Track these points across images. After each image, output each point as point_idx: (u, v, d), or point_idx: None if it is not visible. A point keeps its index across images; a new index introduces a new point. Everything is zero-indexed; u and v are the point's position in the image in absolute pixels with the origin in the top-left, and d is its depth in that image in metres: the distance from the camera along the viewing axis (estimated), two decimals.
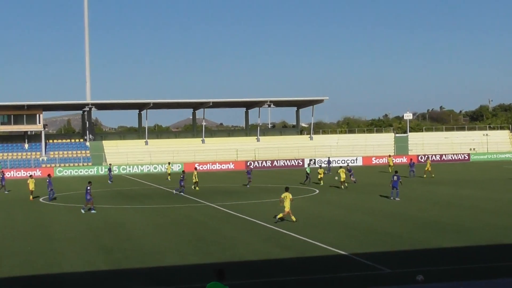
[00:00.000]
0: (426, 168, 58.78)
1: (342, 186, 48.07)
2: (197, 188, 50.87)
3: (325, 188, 48.86)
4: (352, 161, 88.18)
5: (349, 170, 52.58)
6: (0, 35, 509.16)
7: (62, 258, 22.30)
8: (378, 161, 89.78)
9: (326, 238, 24.89)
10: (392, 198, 38.66)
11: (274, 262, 20.99)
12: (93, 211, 35.59)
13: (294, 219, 29.14)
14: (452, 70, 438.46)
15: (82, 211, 35.76)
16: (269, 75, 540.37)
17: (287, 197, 29.16)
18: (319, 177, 52.64)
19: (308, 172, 54.54)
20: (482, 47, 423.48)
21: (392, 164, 69.49)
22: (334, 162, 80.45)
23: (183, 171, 50.43)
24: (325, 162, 76.12)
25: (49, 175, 46.39)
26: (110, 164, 70.54)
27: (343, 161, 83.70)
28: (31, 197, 45.01)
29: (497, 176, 58.06)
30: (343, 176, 48.33)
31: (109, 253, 23.20)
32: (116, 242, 25.52)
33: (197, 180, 51.87)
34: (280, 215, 29.28)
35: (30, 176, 47.82)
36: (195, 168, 56.82)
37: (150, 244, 24.70)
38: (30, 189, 45.25)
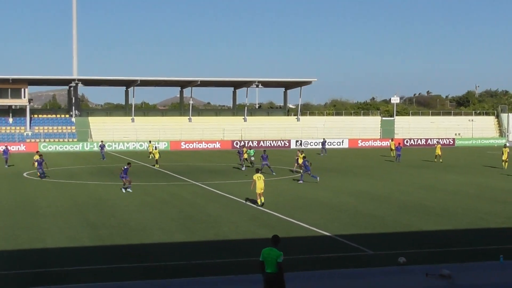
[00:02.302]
0: (436, 153, 57.63)
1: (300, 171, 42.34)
2: (156, 166, 51.02)
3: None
4: (339, 143, 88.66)
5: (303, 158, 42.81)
6: None
7: (46, 234, 22.28)
8: (364, 143, 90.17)
9: (311, 219, 25.03)
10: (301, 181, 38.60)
11: (259, 241, 21.06)
12: (129, 190, 34.11)
13: (261, 201, 28.37)
14: (440, 56, 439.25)
15: (130, 190, 34.06)
16: (258, 55, 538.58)
17: (261, 178, 28.47)
18: (299, 161, 43.29)
19: (251, 154, 50.68)
20: (471, 33, 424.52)
21: (393, 148, 64.77)
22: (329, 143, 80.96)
23: (242, 145, 49.35)
24: (320, 143, 76.31)
25: (40, 155, 44.98)
26: (102, 141, 69.93)
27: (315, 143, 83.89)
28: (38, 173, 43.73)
29: (481, 161, 58.50)
30: (300, 160, 42.71)
31: (93, 229, 23.21)
32: (101, 218, 25.52)
33: (156, 157, 52.34)
34: (262, 198, 28.58)
35: (37, 152, 46.82)
36: (155, 147, 57.37)
37: (135, 221, 24.73)
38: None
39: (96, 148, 76.31)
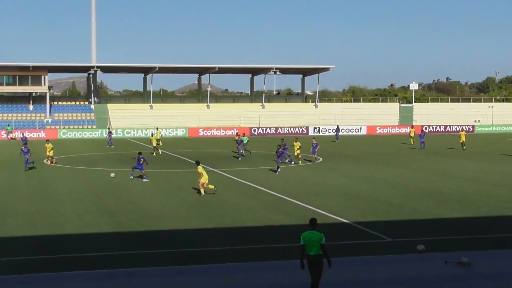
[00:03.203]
0: (461, 140, 56.72)
1: (299, 161, 42.61)
2: (154, 154, 50.10)
3: (328, 157, 48.81)
4: (357, 130, 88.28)
5: (313, 144, 44.13)
6: None
7: (65, 220, 22.43)
8: (382, 130, 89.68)
9: (329, 206, 24.95)
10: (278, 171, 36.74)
11: (276, 228, 21.08)
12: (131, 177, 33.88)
13: (212, 187, 28.25)
14: (460, 41, 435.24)
15: (132, 177, 33.86)
16: (276, 42, 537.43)
17: (201, 170, 28.00)
18: (295, 151, 42.79)
19: (245, 141, 49.81)
20: (491, 18, 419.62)
21: (413, 136, 63.92)
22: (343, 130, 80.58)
23: (284, 141, 44.47)
24: (334, 130, 75.77)
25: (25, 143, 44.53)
26: (109, 128, 69.81)
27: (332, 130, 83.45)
28: (50, 161, 43.17)
29: (501, 148, 57.92)
30: (296, 148, 42.59)
31: (112, 215, 23.33)
32: (119, 204, 25.64)
33: (154, 144, 52.19)
34: (202, 190, 28.00)
35: (47, 141, 46.30)
36: (152, 134, 56.22)
37: (152, 208, 24.82)
38: (49, 154, 43.06)
39: (114, 135, 76.53)
